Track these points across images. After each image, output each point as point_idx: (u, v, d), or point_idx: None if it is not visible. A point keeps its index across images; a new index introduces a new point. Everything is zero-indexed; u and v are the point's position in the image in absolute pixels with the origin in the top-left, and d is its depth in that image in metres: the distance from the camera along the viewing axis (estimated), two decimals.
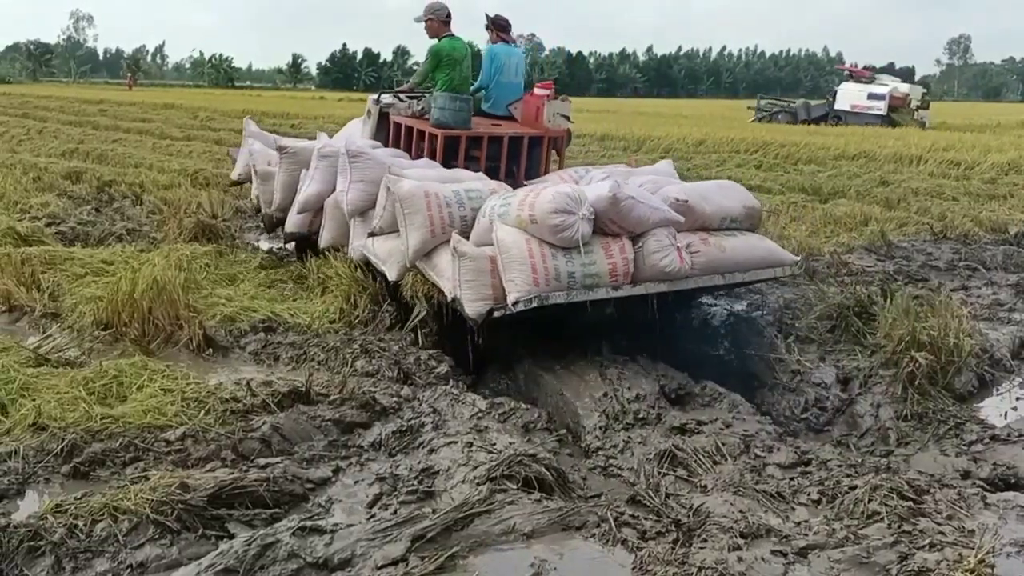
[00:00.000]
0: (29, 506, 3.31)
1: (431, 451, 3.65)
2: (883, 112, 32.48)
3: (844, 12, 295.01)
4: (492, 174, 6.27)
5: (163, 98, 40.72)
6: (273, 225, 7.59)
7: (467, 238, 5.17)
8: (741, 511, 3.20)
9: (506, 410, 4.23)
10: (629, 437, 3.92)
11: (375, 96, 7.55)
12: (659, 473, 3.56)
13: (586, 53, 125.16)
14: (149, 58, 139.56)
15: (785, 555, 2.94)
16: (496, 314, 4.80)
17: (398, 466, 3.59)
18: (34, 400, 4.05)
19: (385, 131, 7.23)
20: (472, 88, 7.13)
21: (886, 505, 3.20)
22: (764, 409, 4.54)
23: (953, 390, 4.23)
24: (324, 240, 6.62)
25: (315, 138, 7.69)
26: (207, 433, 3.81)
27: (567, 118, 6.99)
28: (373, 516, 3.17)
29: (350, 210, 6.10)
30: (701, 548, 2.92)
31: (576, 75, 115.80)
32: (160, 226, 8.63)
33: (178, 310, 5.16)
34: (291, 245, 7.58)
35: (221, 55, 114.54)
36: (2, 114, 27.95)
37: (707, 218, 5.23)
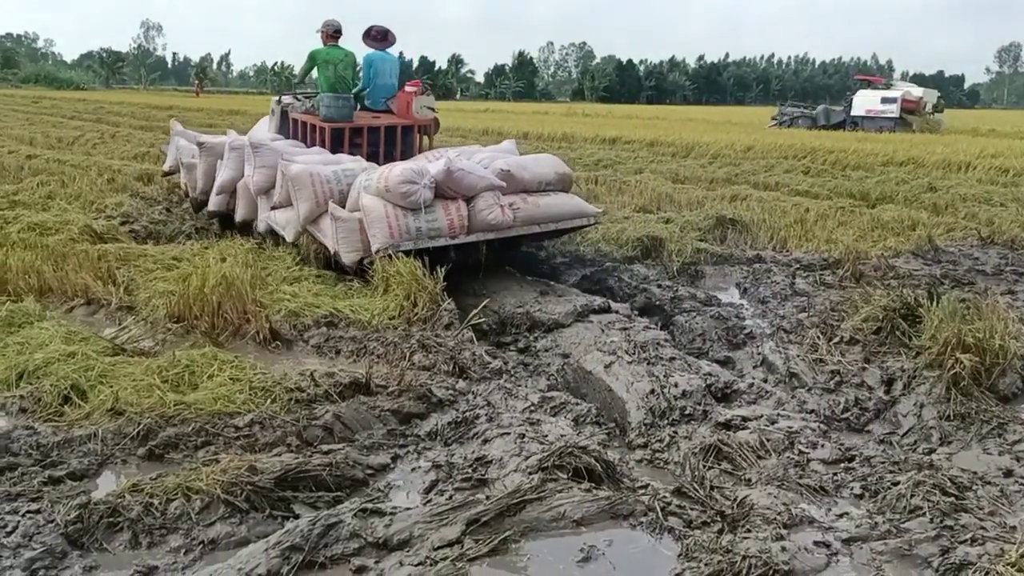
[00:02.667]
0: (107, 485, 3.50)
1: (485, 441, 3.78)
2: (895, 115, 32.76)
3: (895, 20, 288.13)
4: (374, 158, 7.86)
5: (228, 104, 41.76)
6: (199, 206, 9.22)
7: (344, 207, 6.66)
8: (784, 503, 3.28)
9: (557, 404, 4.35)
10: (675, 432, 3.99)
11: (277, 97, 9.36)
12: (704, 466, 3.64)
13: (636, 61, 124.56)
14: (215, 66, 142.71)
15: (828, 546, 3.01)
16: (366, 261, 6.32)
17: (453, 455, 3.73)
18: (111, 387, 4.26)
19: (286, 126, 8.93)
20: (356, 89, 8.78)
21: (928, 500, 3.25)
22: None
23: (997, 391, 4.21)
24: (239, 215, 8.23)
25: (226, 134, 9.15)
26: (273, 420, 3.98)
27: (432, 109, 8.77)
28: (429, 501, 3.30)
29: (256, 190, 7.73)
30: (745, 538, 2.99)
31: (626, 82, 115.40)
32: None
33: (245, 305, 5.36)
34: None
35: (283, 63, 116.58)
36: (78, 119, 28.92)
37: (526, 183, 6.85)
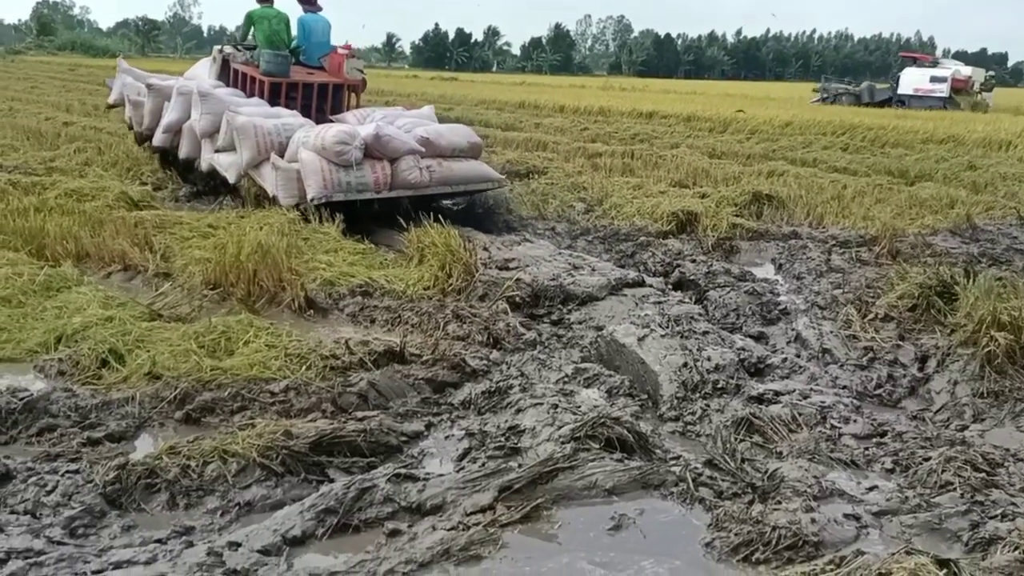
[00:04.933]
0: (145, 447, 3.57)
1: (518, 411, 3.78)
2: (945, 94, 32.14)
3: None
4: (307, 112, 8.74)
5: None
6: (143, 140, 10.26)
7: (282, 156, 7.54)
8: (815, 476, 3.28)
9: (590, 375, 4.34)
10: (707, 405, 3.99)
11: (219, 47, 10.13)
12: (736, 439, 3.63)
13: (674, 35, 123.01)
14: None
15: (858, 518, 3.01)
16: (301, 206, 7.25)
17: (486, 424, 3.74)
18: (149, 351, 4.33)
19: (226, 74, 9.70)
20: (291, 46, 9.55)
21: (959, 476, 3.24)
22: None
23: None
24: (183, 153, 9.02)
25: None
26: (308, 386, 4.02)
27: (360, 71, 9.73)
28: (462, 468, 3.33)
29: (201, 133, 8.54)
30: (775, 509, 3.00)
31: (664, 57, 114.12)
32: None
33: (281, 273, 5.41)
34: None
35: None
36: None
37: (442, 148, 7.79)
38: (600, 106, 24.05)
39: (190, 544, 2.81)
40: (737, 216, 8.53)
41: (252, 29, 9.59)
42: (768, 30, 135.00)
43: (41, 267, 5.60)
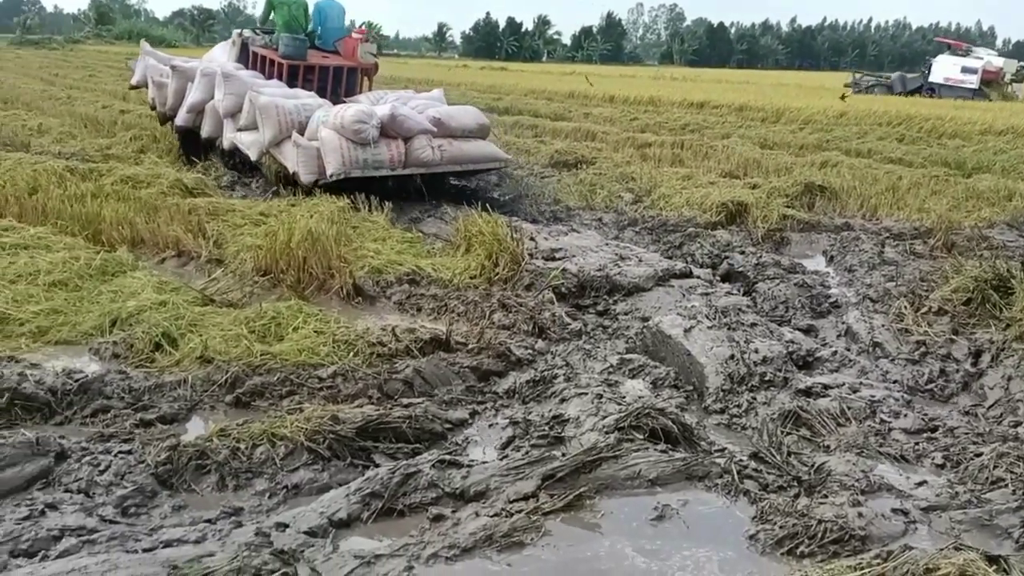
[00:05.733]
0: (196, 429, 3.64)
1: (562, 400, 3.79)
2: (975, 85, 31.59)
3: None
4: (322, 93, 9.21)
5: None
6: (165, 119, 10.72)
7: (303, 135, 7.93)
8: (863, 470, 3.23)
9: (635, 366, 4.33)
10: (754, 398, 3.95)
11: (238, 31, 10.82)
12: (782, 432, 3.59)
13: (727, 24, 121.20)
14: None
15: (906, 513, 2.95)
16: (320, 182, 7.68)
17: (530, 412, 3.75)
18: (201, 335, 4.40)
19: (245, 57, 10.23)
20: (308, 30, 10.12)
21: (1012, 472, 3.18)
22: None
23: None
24: (205, 132, 9.46)
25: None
26: (355, 373, 4.07)
27: (373, 55, 10.51)
28: (506, 456, 3.34)
29: (224, 113, 8.98)
30: (821, 503, 2.96)
31: (716, 46, 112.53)
32: None
33: (330, 260, 5.47)
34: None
35: (370, 23, 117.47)
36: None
37: (453, 129, 8.29)
38: (650, 96, 23.86)
39: (239, 524, 2.87)
40: (788, 207, 8.41)
41: (272, 14, 10.17)
42: (824, 19, 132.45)
43: (97, 252, 5.73)
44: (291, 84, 9.36)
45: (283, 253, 5.54)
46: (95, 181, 7.99)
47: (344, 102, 8.80)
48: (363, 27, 11.18)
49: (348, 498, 2.96)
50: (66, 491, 3.03)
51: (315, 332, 4.48)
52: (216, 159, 9.84)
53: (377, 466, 3.28)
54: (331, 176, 7.59)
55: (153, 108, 11.13)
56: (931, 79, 33.17)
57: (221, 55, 10.67)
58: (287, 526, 2.80)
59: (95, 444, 3.34)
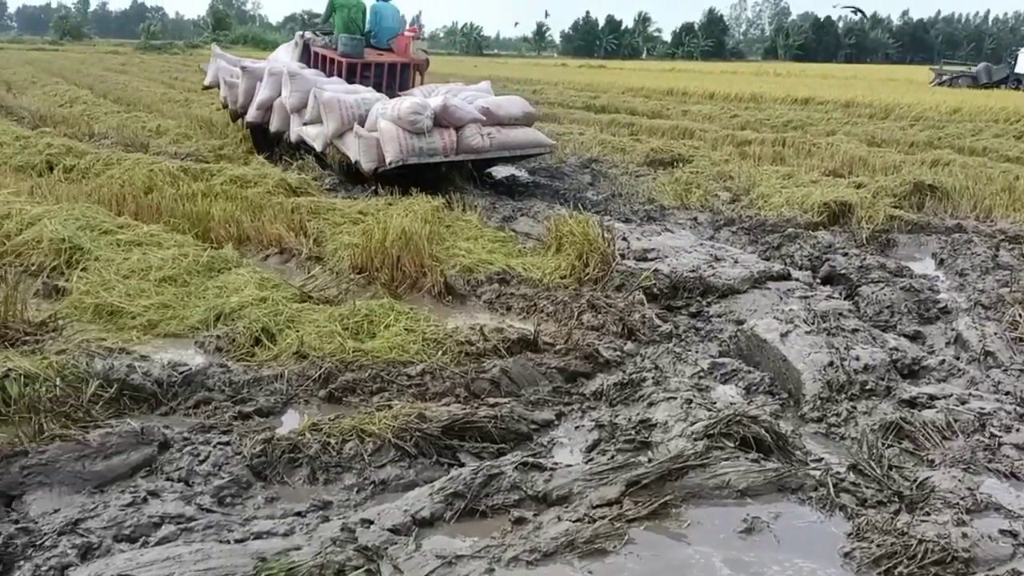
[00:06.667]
0: (290, 423, 3.72)
1: (650, 404, 3.72)
2: None
3: None
4: (378, 88, 9.86)
5: None
6: (236, 116, 11.66)
7: (363, 127, 8.56)
8: (970, 488, 3.04)
9: (728, 371, 4.23)
10: (853, 407, 3.79)
11: (300, 32, 11.74)
12: (883, 444, 3.43)
13: (835, 17, 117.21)
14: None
15: (1015, 535, 2.78)
16: (380, 170, 8.32)
17: (617, 416, 3.70)
18: (297, 331, 4.52)
19: (307, 56, 11.20)
20: (364, 30, 11.06)
21: None
22: None
23: None
24: (274, 126, 10.21)
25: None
26: (443, 371, 4.10)
27: (425, 51, 11.63)
28: (591, 460, 3.30)
29: (291, 108, 9.75)
30: (923, 521, 2.81)
31: (823, 40, 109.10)
32: None
33: (423, 259, 5.54)
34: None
35: (471, 24, 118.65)
36: None
37: (500, 118, 8.88)
38: (752, 92, 23.37)
39: (326, 519, 2.92)
40: (896, 207, 8.08)
41: (333, 16, 11.14)
42: (939, 12, 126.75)
43: (205, 249, 5.94)
44: (350, 80, 10.12)
45: (378, 251, 5.65)
46: (206, 181, 8.30)
47: (399, 96, 9.39)
48: (415, 26, 12.01)
49: (432, 497, 2.99)
50: (167, 479, 3.14)
51: (406, 330, 4.53)
52: (281, 150, 10.52)
53: (462, 465, 3.29)
54: (390, 163, 8.20)
55: (224, 106, 12.02)
56: (1017, 70, 31.71)
57: (285, 55, 11.55)
58: (372, 522, 2.84)
59: (196, 435, 3.45)
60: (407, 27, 11.59)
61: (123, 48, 65.16)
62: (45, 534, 2.74)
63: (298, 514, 2.96)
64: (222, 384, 3.96)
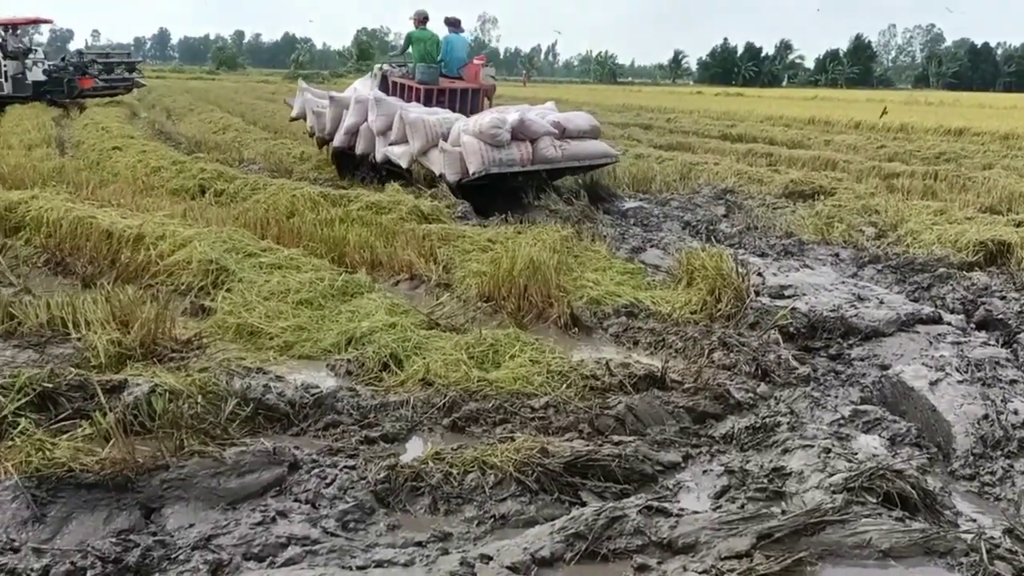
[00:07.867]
0: (414, 450, 3.73)
1: (784, 451, 3.54)
2: None
3: None
4: (452, 111, 10.72)
5: (551, 93, 43.30)
6: (322, 144, 12.69)
7: (446, 142, 9.40)
8: None
9: (871, 419, 3.97)
10: (1011, 465, 3.49)
11: (379, 65, 13.10)
12: None
13: (993, 44, 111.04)
14: (543, 56, 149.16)
15: None
16: (464, 180, 9.22)
17: (748, 462, 3.53)
18: (424, 358, 4.55)
19: (384, 87, 12.27)
20: (437, 60, 12.16)
21: None
22: None
23: None
24: (359, 149, 11.27)
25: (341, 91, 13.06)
26: (567, 405, 4.03)
27: (493, 78, 13.33)
28: (719, 507, 3.16)
29: (376, 131, 10.75)
30: None
31: (979, 68, 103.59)
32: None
33: (550, 289, 5.50)
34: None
35: (606, 52, 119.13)
36: None
37: (570, 131, 9.70)
38: (901, 122, 22.33)
39: (445, 551, 2.90)
40: None
41: (410, 48, 12.41)
42: None
43: (340, 273, 6.09)
44: (427, 105, 11.21)
45: (505, 280, 5.65)
46: (343, 207, 8.55)
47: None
48: (484, 55, 13.42)
49: (552, 536, 2.91)
50: (295, 500, 3.20)
51: (531, 361, 4.48)
52: (368, 173, 11.43)
53: (584, 504, 3.21)
54: (473, 174, 9.04)
55: (311, 135, 13.04)
56: None
57: (363, 87, 12.58)
58: (491, 558, 2.79)
59: (324, 457, 3.51)
60: (476, 56, 13.02)
61: (273, 78, 68.77)
62: (180, 548, 2.84)
63: (418, 544, 2.95)
64: (350, 408, 4.02)
